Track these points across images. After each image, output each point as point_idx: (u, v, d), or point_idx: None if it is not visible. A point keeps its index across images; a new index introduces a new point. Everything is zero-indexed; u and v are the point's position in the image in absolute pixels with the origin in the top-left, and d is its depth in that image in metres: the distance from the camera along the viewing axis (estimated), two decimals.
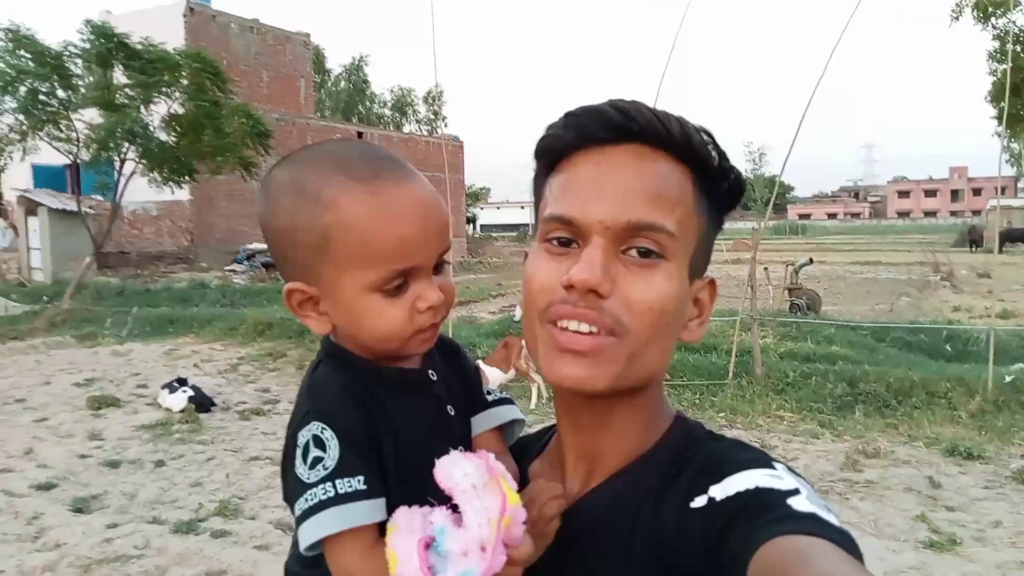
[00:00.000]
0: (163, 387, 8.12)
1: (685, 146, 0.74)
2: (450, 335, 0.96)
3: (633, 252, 0.72)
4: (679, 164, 0.74)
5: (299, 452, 0.74)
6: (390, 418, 0.78)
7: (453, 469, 0.70)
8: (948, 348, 10.23)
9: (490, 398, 0.90)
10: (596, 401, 0.76)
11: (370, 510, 0.72)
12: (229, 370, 10.01)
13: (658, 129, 0.73)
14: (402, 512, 0.71)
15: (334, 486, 0.71)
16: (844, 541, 0.60)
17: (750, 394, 7.83)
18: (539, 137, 0.79)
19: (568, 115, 0.77)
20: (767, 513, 0.63)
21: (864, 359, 8.95)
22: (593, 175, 0.74)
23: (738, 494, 0.67)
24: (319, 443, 0.73)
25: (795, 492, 0.65)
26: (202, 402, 7.81)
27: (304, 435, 0.75)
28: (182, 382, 8.14)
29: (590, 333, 0.71)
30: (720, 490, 0.68)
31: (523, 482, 0.81)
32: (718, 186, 0.77)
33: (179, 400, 7.75)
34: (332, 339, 0.84)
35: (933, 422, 7.05)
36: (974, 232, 36.83)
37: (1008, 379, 7.54)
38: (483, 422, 0.88)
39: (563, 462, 0.83)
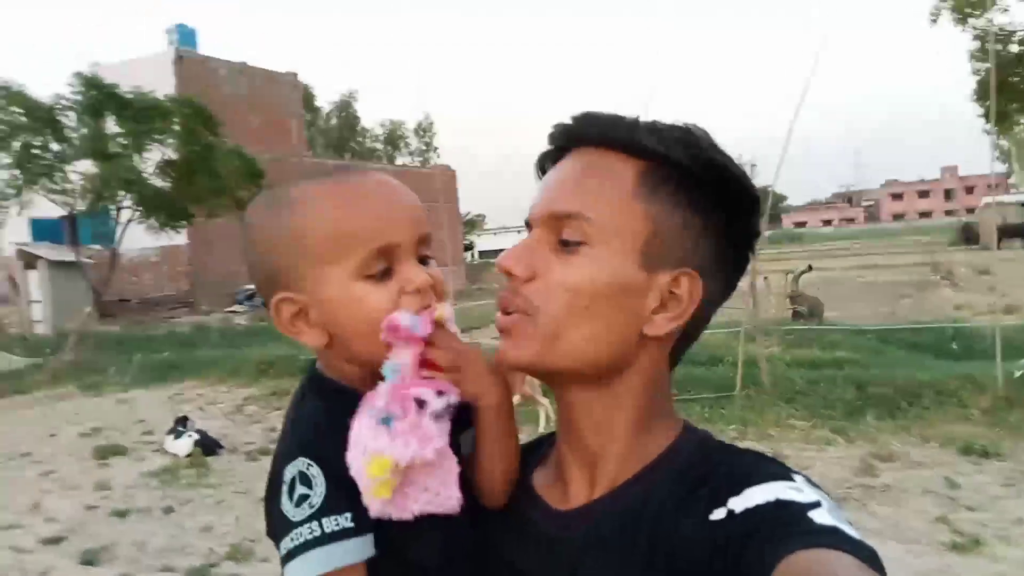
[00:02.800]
0: (168, 432, 8.07)
1: (629, 143, 0.76)
2: None
3: (563, 241, 0.77)
4: (625, 157, 0.77)
5: (285, 488, 0.73)
6: None
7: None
8: (954, 346, 10.20)
9: None
10: (564, 395, 0.80)
11: (357, 548, 0.71)
12: (234, 411, 9.96)
13: (602, 130, 0.78)
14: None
15: (320, 525, 0.71)
16: (866, 555, 0.60)
17: (760, 404, 7.77)
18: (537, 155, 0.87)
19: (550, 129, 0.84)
20: (788, 527, 0.63)
21: (871, 362, 8.92)
22: (545, 179, 0.82)
23: (758, 507, 0.66)
24: (305, 480, 0.72)
25: (816, 505, 0.65)
26: (208, 445, 7.75)
27: (290, 471, 0.74)
28: (184, 422, 8.08)
29: (509, 314, 0.78)
30: (739, 503, 0.67)
31: (526, 489, 0.83)
32: (695, 179, 0.75)
33: (185, 445, 7.69)
34: (318, 368, 0.83)
35: (945, 422, 6.99)
36: (968, 230, 36.91)
37: (1018, 374, 7.49)
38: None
39: (563, 471, 0.82)
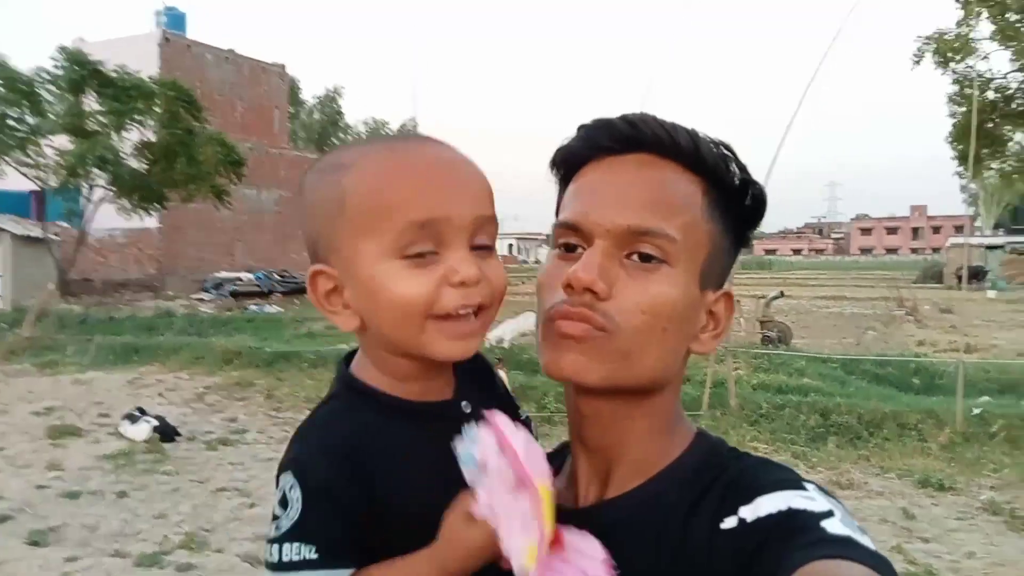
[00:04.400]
0: (123, 417, 7.89)
1: (693, 156, 0.75)
2: None
3: (635, 257, 0.73)
4: (688, 174, 0.75)
5: (276, 499, 0.71)
6: (404, 466, 0.71)
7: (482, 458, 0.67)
8: (916, 381, 10.39)
9: (534, 433, 0.84)
10: (601, 405, 0.76)
11: None
12: (195, 400, 9.78)
13: (663, 139, 0.74)
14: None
15: (280, 551, 0.67)
16: (880, 565, 0.59)
17: (725, 425, 7.83)
18: (555, 149, 0.81)
19: (581, 127, 0.79)
20: (801, 536, 0.62)
21: (835, 391, 9.04)
22: (599, 183, 0.76)
23: (770, 516, 0.65)
24: (284, 501, 0.69)
25: (829, 514, 0.64)
26: (166, 432, 7.60)
27: (280, 484, 0.70)
28: (141, 412, 7.92)
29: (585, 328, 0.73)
30: (750, 511, 0.67)
31: None
32: (736, 200, 0.77)
33: (142, 430, 7.53)
34: (352, 366, 0.77)
35: (904, 454, 7.11)
36: (933, 268, 37.71)
37: (976, 411, 7.66)
38: None
39: (576, 472, 0.81)
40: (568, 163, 0.80)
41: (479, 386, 0.81)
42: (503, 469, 0.66)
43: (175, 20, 31.53)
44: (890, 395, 9.11)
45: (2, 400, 9.49)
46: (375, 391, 0.74)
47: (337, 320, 0.73)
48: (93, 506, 5.75)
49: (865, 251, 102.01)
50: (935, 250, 67.58)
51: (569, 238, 0.76)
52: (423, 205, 0.68)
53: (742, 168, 0.77)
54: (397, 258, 0.68)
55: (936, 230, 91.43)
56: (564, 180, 0.81)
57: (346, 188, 0.70)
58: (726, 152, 0.76)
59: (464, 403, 0.77)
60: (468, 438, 0.68)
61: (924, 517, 5.61)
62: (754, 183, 0.78)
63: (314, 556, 0.67)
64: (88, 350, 12.80)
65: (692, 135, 0.75)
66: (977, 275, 33.85)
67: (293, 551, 0.67)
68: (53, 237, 19.40)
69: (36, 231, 19.48)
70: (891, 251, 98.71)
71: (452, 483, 0.70)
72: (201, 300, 23.77)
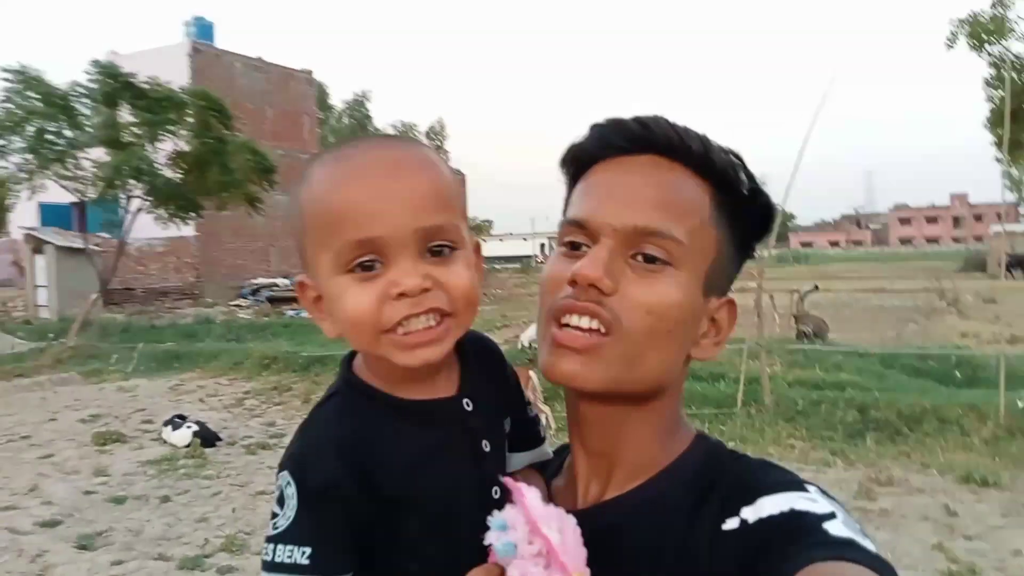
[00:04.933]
0: (165, 423, 8.08)
1: (704, 160, 0.75)
2: None
3: (640, 257, 0.73)
4: (697, 178, 0.75)
5: (275, 497, 0.70)
6: (403, 465, 0.70)
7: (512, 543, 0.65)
8: (958, 374, 10.16)
9: (539, 433, 0.86)
10: (602, 409, 0.76)
11: None
12: (235, 405, 9.97)
13: (674, 142, 0.74)
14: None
15: (275, 551, 0.67)
16: (881, 568, 0.59)
17: (760, 423, 7.75)
18: (567, 147, 0.81)
19: (593, 126, 0.79)
20: (803, 538, 0.62)
21: (873, 386, 8.88)
22: (608, 182, 0.76)
23: (772, 517, 0.65)
24: (280, 499, 0.68)
25: (831, 516, 0.64)
26: (207, 437, 7.76)
27: (278, 482, 0.70)
28: (182, 418, 8.10)
29: (588, 330, 0.72)
30: (752, 512, 0.67)
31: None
32: (744, 207, 0.77)
33: (183, 436, 7.70)
34: (353, 369, 0.76)
35: (946, 449, 6.95)
36: (976, 257, 36.74)
37: (1020, 405, 7.46)
38: (527, 461, 0.85)
39: (575, 474, 0.82)
40: (579, 161, 0.80)
41: (487, 376, 0.79)
42: (539, 554, 0.64)
43: (203, 30, 32.09)
44: (931, 389, 8.93)
45: (50, 408, 9.78)
46: (374, 389, 0.72)
47: (324, 327, 0.73)
48: (138, 510, 5.89)
49: (905, 242, 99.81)
50: (978, 239, 65.96)
51: (575, 236, 0.76)
52: (358, 222, 0.66)
53: (751, 177, 0.77)
54: (344, 273, 0.68)
55: (978, 218, 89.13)
56: (573, 179, 0.81)
57: (303, 202, 0.71)
58: (736, 160, 0.76)
59: (466, 400, 0.75)
60: (499, 524, 0.66)
61: (967, 514, 5.48)
62: (764, 193, 0.78)
63: (305, 562, 0.65)
64: (131, 358, 13.12)
65: (703, 140, 0.75)
66: (1022, 264, 32.92)
67: (286, 553, 0.66)
68: (94, 248, 19.90)
69: (78, 242, 19.99)
70: (932, 241, 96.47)
71: (451, 483, 0.71)
72: (239, 306, 24.18)
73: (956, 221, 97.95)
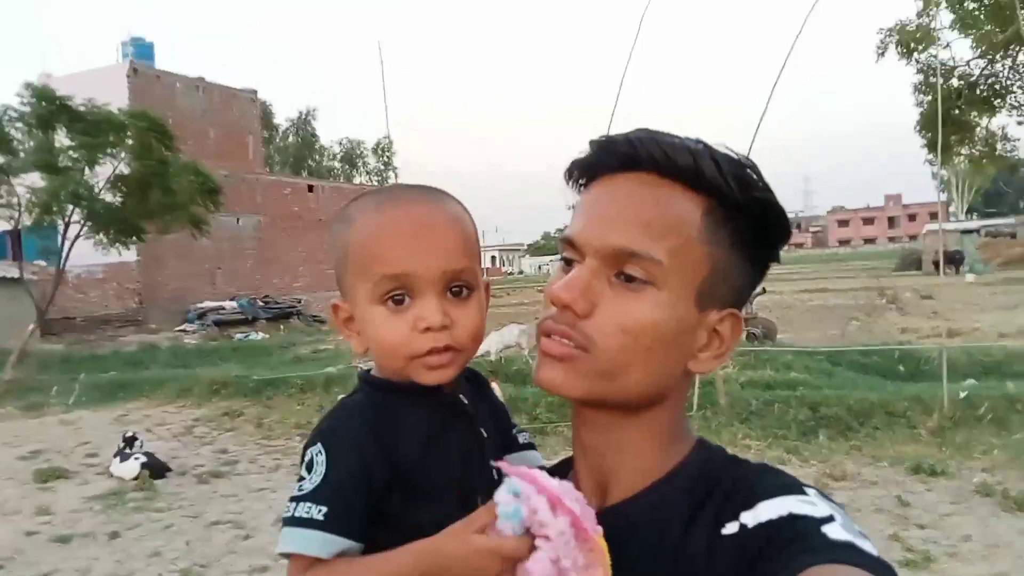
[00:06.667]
0: (114, 455, 7.79)
1: (694, 175, 0.73)
2: None
3: (622, 276, 0.74)
4: (690, 192, 0.74)
5: (302, 465, 0.79)
6: (419, 437, 0.80)
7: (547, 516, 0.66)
8: (901, 368, 10.48)
9: (521, 440, 0.93)
10: (599, 415, 0.78)
11: (317, 542, 0.74)
12: (184, 433, 9.68)
13: (659, 159, 0.74)
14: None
15: (296, 507, 0.75)
16: (881, 570, 0.59)
17: (715, 424, 7.86)
18: (570, 162, 0.82)
19: (590, 143, 0.80)
20: (802, 542, 0.62)
21: (823, 383, 9.10)
22: (596, 201, 0.78)
23: (770, 521, 0.66)
24: (310, 465, 0.77)
25: (829, 519, 0.64)
26: (156, 467, 7.50)
27: (308, 453, 0.79)
28: (132, 442, 7.82)
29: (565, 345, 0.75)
30: (751, 516, 0.67)
31: None
32: (750, 219, 0.75)
33: (131, 468, 7.43)
34: (371, 369, 0.88)
35: (895, 442, 7.17)
36: (911, 256, 38.08)
37: (963, 395, 7.74)
38: (519, 463, 0.87)
39: (576, 483, 0.81)
40: (583, 175, 0.82)
41: (473, 384, 0.90)
42: (562, 526, 0.65)
43: (143, 50, 31.38)
44: (877, 384, 9.19)
45: None
46: (389, 381, 0.84)
47: (352, 342, 0.86)
48: (85, 549, 5.66)
49: (844, 243, 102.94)
50: (912, 238, 68.42)
51: (568, 253, 0.78)
52: (396, 261, 0.79)
53: (753, 186, 0.74)
54: (378, 303, 0.81)
55: (912, 218, 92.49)
56: (581, 192, 0.83)
57: (348, 240, 0.83)
58: (743, 171, 0.74)
59: (461, 395, 0.86)
60: (509, 491, 0.67)
61: (918, 503, 5.65)
62: (768, 200, 0.75)
63: (320, 518, 0.74)
64: (72, 389, 12.65)
65: (694, 153, 0.73)
66: (954, 260, 34.27)
67: (304, 509, 0.74)
68: (31, 277, 19.16)
69: (13, 271, 19.22)
70: (869, 241, 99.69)
71: (458, 456, 0.81)
72: (184, 331, 23.57)
73: (891, 221, 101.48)
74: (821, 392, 8.40)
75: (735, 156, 0.75)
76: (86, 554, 5.54)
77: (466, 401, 0.86)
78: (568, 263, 0.78)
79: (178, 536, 5.83)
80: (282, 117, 57.62)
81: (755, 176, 0.75)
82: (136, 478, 7.28)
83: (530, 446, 0.93)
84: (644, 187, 0.75)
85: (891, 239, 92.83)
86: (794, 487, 0.70)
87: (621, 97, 8.03)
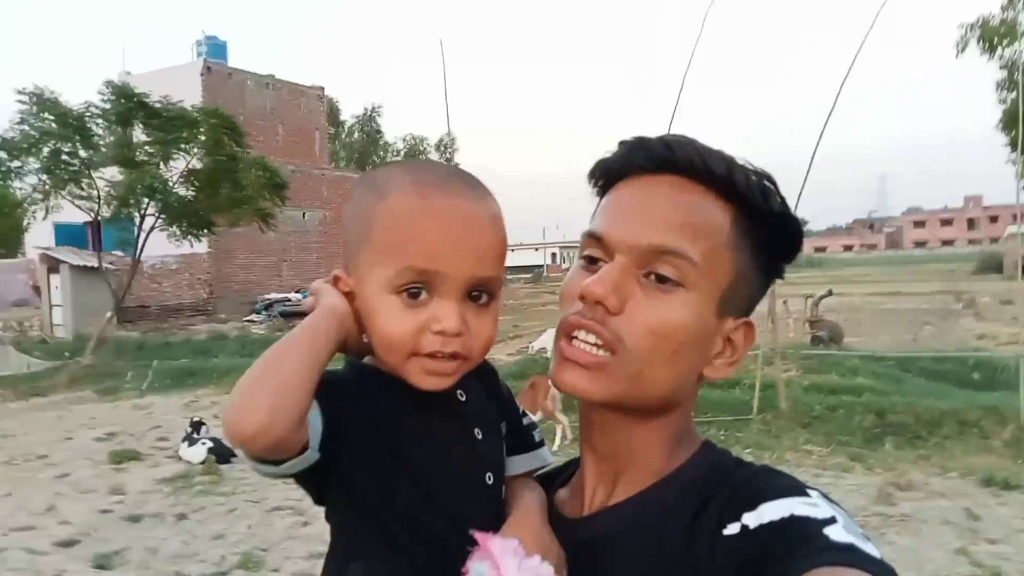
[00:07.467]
0: (183, 440, 8.11)
1: (726, 184, 0.75)
2: None
3: (652, 276, 0.74)
4: (720, 200, 0.76)
5: None
6: (405, 430, 0.76)
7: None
8: (976, 376, 10.04)
9: (535, 437, 0.90)
10: (611, 417, 0.78)
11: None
12: None
13: (695, 163, 0.75)
14: None
15: None
16: (881, 572, 0.59)
17: (776, 429, 7.69)
18: (595, 162, 0.83)
19: (621, 144, 0.80)
20: (804, 543, 0.62)
21: (891, 390, 8.80)
22: (629, 199, 0.78)
23: (772, 523, 0.66)
24: None
25: (832, 521, 0.64)
26: (222, 453, 7.77)
27: None
28: (199, 427, 8.11)
29: (594, 345, 0.74)
30: (753, 518, 0.67)
31: (550, 510, 0.82)
32: (770, 231, 0.77)
33: (199, 452, 7.72)
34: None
35: (966, 452, 6.88)
36: (992, 259, 36.30)
37: None
38: (527, 463, 0.88)
39: (583, 482, 0.83)
40: (607, 176, 0.82)
41: (478, 378, 0.84)
42: None
43: (216, 49, 32.39)
44: (949, 392, 8.84)
45: (66, 427, 9.85)
46: (379, 370, 0.78)
47: None
48: (154, 529, 5.91)
49: (919, 245, 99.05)
50: (994, 240, 65.27)
51: (593, 250, 0.78)
52: (428, 255, 0.73)
53: (779, 201, 0.76)
54: (394, 293, 0.74)
55: (993, 219, 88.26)
56: (602, 192, 0.83)
57: (375, 216, 0.75)
58: (766, 183, 0.76)
59: (459, 391, 0.80)
60: (477, 572, 0.70)
61: (989, 517, 5.40)
62: (791, 217, 0.77)
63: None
64: (145, 375, 13.21)
65: (728, 161, 0.75)
66: None
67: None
68: (109, 266, 20.06)
69: (92, 261, 20.16)
70: (947, 243, 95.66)
71: (444, 455, 0.77)
72: (252, 322, 24.30)
73: (971, 223, 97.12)
74: (888, 399, 8.13)
75: (759, 169, 0.76)
76: (155, 534, 5.79)
77: (463, 398, 0.81)
78: (592, 261, 0.78)
79: (241, 520, 6.04)
80: (348, 113, 58.72)
81: (777, 190, 0.77)
82: (203, 462, 7.56)
83: (540, 444, 0.91)
84: (678, 190, 0.76)
85: (971, 241, 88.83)
86: (797, 489, 0.69)
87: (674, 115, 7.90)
